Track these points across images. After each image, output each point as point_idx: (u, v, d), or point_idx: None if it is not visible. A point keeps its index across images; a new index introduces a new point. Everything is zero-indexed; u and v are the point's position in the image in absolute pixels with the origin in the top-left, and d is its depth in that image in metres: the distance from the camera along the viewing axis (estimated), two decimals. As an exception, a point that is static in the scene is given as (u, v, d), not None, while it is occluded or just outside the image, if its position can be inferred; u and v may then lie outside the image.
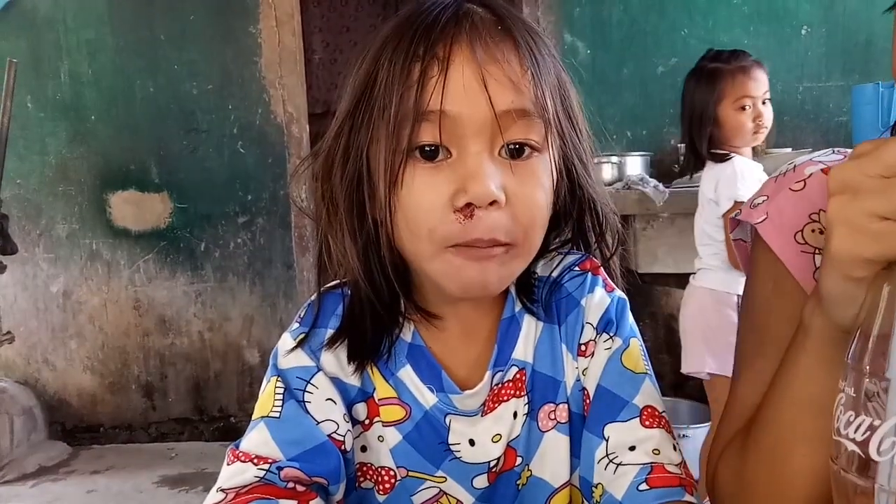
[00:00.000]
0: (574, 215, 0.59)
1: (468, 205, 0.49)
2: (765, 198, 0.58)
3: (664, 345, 2.42)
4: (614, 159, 2.05)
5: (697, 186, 1.93)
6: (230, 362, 2.61)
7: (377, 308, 0.56)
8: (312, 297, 0.60)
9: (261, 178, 2.53)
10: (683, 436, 1.92)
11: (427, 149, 0.50)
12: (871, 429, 0.36)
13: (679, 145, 2.24)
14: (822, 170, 0.56)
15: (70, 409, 2.65)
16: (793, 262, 0.54)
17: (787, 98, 2.25)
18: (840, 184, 0.39)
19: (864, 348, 0.37)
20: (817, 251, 0.54)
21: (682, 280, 2.33)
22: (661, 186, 1.94)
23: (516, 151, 0.51)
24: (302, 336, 0.57)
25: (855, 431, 0.37)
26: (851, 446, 0.37)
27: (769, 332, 0.57)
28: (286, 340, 0.58)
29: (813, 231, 0.54)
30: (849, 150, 0.58)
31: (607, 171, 2.05)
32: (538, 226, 0.53)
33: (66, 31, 2.50)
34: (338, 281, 0.60)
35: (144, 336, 2.62)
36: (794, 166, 0.59)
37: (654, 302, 2.40)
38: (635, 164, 2.10)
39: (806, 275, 0.54)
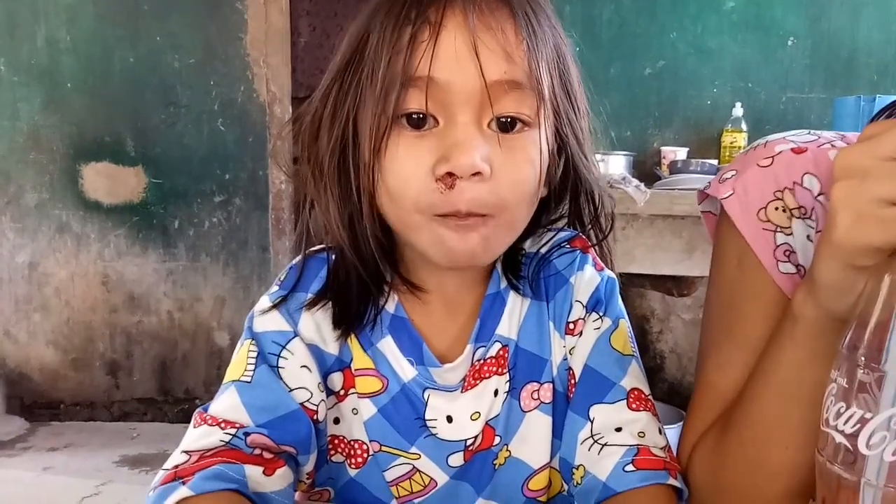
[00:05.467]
0: (569, 195, 0.58)
1: (449, 174, 0.47)
2: (734, 172, 0.57)
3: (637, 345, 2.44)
4: (598, 157, 2.05)
5: (676, 189, 1.93)
6: (199, 344, 2.56)
7: (362, 276, 0.54)
8: (295, 261, 0.58)
9: (240, 157, 2.48)
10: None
11: (414, 116, 0.49)
12: (862, 421, 0.35)
13: (661, 148, 2.26)
14: (791, 149, 0.56)
15: (30, 384, 2.58)
16: (754, 239, 0.54)
17: (770, 108, 2.27)
18: (846, 168, 0.37)
19: (859, 338, 0.36)
20: (778, 229, 0.54)
21: (657, 282, 2.35)
22: (642, 187, 1.94)
23: (506, 125, 0.50)
24: (280, 299, 0.56)
25: (845, 423, 0.36)
26: (840, 438, 0.36)
27: (735, 311, 0.56)
28: (264, 303, 0.56)
29: (776, 209, 0.54)
30: (822, 132, 0.58)
31: (590, 169, 2.05)
32: (522, 201, 0.51)
33: (44, -6, 2.42)
34: (322, 245, 0.58)
35: (111, 312, 2.56)
36: (766, 142, 0.58)
37: (628, 302, 2.40)
38: (618, 164, 2.10)
39: (766, 253, 0.54)
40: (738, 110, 2.18)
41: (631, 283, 2.34)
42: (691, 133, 2.30)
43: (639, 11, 2.28)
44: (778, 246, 0.54)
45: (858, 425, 0.35)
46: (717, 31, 2.27)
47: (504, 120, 0.49)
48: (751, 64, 2.27)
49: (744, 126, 2.18)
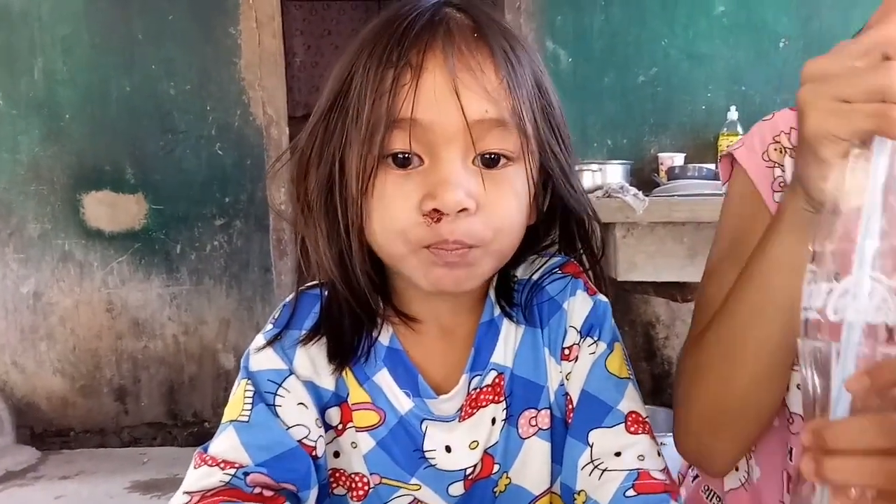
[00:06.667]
0: (558, 224, 0.59)
1: (435, 210, 0.48)
2: (742, 138, 0.70)
3: (642, 352, 2.43)
4: (594, 167, 2.06)
5: (675, 195, 1.93)
6: (205, 366, 2.57)
7: (355, 309, 0.55)
8: (288, 298, 0.59)
9: (239, 180, 2.50)
10: (661, 444, 1.92)
11: (399, 156, 0.50)
12: (829, 292, 0.39)
13: (658, 154, 2.26)
14: (791, 108, 0.65)
15: (39, 413, 2.59)
16: (758, 175, 0.64)
17: (765, 110, 2.25)
18: (812, 73, 0.43)
19: (828, 222, 0.41)
20: (776, 165, 0.65)
21: (660, 288, 2.34)
22: (640, 195, 1.95)
23: (490, 161, 0.51)
24: (274, 337, 0.56)
25: (815, 299, 0.39)
26: (813, 315, 0.40)
27: (737, 236, 0.64)
28: (259, 342, 0.57)
29: (775, 149, 0.65)
30: None
31: (588, 179, 2.06)
32: (508, 232, 0.52)
33: (40, 27, 2.44)
34: (316, 282, 0.59)
35: (117, 339, 2.57)
36: (773, 114, 0.69)
37: (633, 310, 2.41)
38: (615, 173, 2.10)
39: (766, 186, 0.64)
40: (733, 114, 2.19)
41: (634, 291, 2.34)
42: (688, 138, 2.31)
43: (629, 20, 2.29)
44: (774, 179, 0.63)
45: (826, 296, 0.39)
46: (708, 36, 2.28)
47: (488, 156, 0.50)
48: (744, 67, 2.28)
49: (739, 129, 2.18)
